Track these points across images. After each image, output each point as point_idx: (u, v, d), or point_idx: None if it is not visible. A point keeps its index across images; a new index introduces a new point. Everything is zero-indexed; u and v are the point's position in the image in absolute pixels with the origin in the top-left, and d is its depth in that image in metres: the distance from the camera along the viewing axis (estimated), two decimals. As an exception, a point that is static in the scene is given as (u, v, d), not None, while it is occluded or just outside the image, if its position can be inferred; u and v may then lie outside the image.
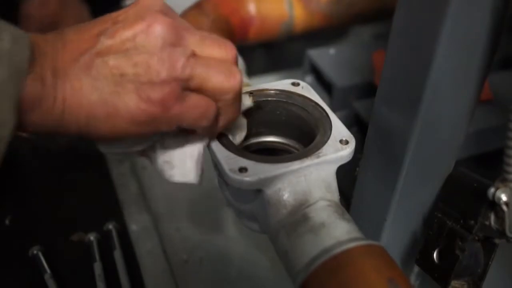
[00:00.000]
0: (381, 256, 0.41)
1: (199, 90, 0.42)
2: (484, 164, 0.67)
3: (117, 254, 0.69)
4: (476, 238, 0.49)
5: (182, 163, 0.47)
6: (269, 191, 0.45)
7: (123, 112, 0.39)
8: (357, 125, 0.75)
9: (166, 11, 0.42)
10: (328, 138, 0.49)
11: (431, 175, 0.52)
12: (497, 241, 0.49)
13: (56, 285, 0.65)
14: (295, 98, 0.54)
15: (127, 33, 0.39)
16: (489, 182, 0.46)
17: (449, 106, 0.47)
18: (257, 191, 0.47)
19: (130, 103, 0.39)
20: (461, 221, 0.49)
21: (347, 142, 0.48)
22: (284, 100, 0.55)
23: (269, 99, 0.55)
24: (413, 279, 0.60)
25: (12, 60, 0.35)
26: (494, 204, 0.45)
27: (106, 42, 0.39)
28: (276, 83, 0.56)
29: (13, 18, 0.91)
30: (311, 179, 0.46)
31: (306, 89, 0.55)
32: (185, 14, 0.76)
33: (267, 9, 0.84)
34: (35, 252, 0.69)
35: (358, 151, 0.50)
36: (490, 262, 0.50)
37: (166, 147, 0.47)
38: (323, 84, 0.86)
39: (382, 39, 0.93)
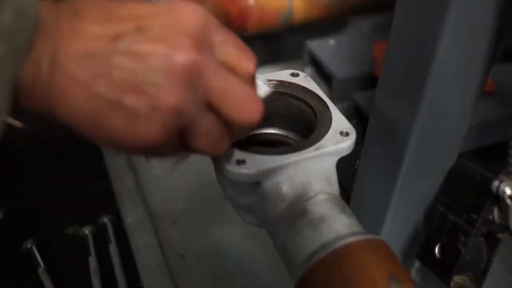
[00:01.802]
0: (382, 251, 0.40)
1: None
2: (487, 157, 0.67)
3: (113, 248, 0.68)
4: (479, 232, 0.48)
5: None
6: (268, 184, 0.44)
7: (107, 132, 0.35)
8: (357, 117, 0.74)
9: (201, 41, 0.35)
10: (328, 130, 0.48)
11: (433, 168, 0.51)
12: (500, 235, 0.48)
13: (50, 278, 0.64)
14: (294, 89, 0.53)
15: (146, 50, 0.34)
16: (492, 175, 0.45)
17: (452, 98, 0.46)
18: (255, 184, 0.46)
19: (117, 128, 0.35)
20: (464, 215, 0.48)
21: (347, 134, 0.47)
22: (283, 91, 0.54)
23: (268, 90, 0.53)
24: (414, 274, 0.59)
25: (12, 38, 0.31)
26: (498, 198, 0.44)
27: (120, 51, 0.34)
28: (275, 74, 0.55)
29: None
30: (310, 172, 0.45)
31: (306, 80, 0.54)
32: (182, 4, 0.75)
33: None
34: (29, 245, 0.68)
35: (358, 143, 0.50)
36: (493, 257, 0.49)
37: None
38: (322, 75, 0.85)
39: (382, 30, 0.92)
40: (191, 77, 0.35)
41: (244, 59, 0.39)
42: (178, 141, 0.38)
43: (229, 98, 0.37)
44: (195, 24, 0.35)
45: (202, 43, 0.35)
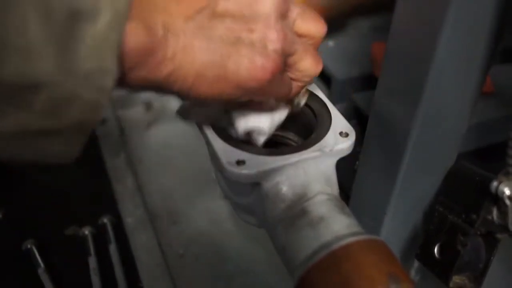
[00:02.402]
0: (381, 251, 0.40)
1: (290, 67, 0.43)
2: (486, 157, 0.67)
3: (112, 248, 0.68)
4: (478, 232, 0.48)
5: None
6: (267, 184, 0.44)
7: (232, 76, 0.38)
8: (356, 117, 0.74)
9: None
10: (328, 130, 0.48)
11: (432, 169, 0.51)
12: (499, 236, 0.48)
13: (50, 279, 0.64)
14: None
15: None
16: (491, 175, 0.45)
17: (451, 98, 0.46)
18: (255, 184, 0.46)
19: (242, 68, 0.38)
20: (463, 216, 0.48)
21: (347, 135, 0.47)
22: (283, 91, 0.53)
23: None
24: (413, 274, 0.59)
25: (114, 2, 0.31)
26: (497, 198, 0.44)
27: (224, 3, 0.37)
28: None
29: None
30: (310, 172, 0.45)
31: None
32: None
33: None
34: (28, 246, 0.68)
35: (357, 144, 0.50)
36: (492, 258, 0.49)
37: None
38: (322, 76, 0.85)
39: (382, 31, 0.92)
40: (283, 6, 0.40)
41: (319, 24, 0.45)
42: (285, 72, 0.43)
43: (307, 46, 0.44)
44: None
45: None
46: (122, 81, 0.34)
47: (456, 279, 0.49)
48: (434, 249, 0.50)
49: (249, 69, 0.38)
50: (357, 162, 0.56)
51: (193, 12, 0.36)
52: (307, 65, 0.44)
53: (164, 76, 0.36)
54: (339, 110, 0.51)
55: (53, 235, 0.70)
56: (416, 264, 0.58)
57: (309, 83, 0.47)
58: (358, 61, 0.83)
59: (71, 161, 0.35)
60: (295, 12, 0.43)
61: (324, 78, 0.84)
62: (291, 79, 0.45)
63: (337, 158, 0.47)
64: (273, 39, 0.39)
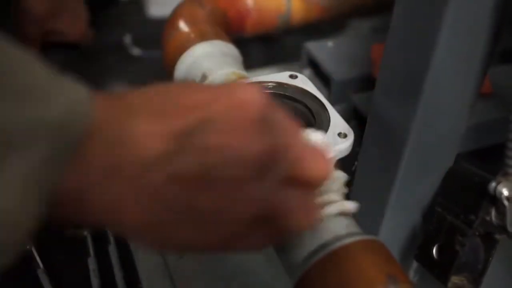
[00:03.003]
0: (380, 252, 0.40)
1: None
2: (484, 158, 0.67)
3: (112, 249, 0.68)
4: (477, 233, 0.48)
5: None
6: (266, 185, 0.44)
7: (174, 241, 0.32)
8: (355, 118, 0.74)
9: (265, 120, 0.32)
10: (326, 131, 0.48)
11: (430, 169, 0.51)
12: (497, 236, 0.48)
13: (49, 280, 0.64)
14: (292, 91, 0.54)
15: (219, 143, 0.30)
16: (490, 176, 0.45)
17: (450, 98, 0.46)
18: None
19: (186, 237, 0.32)
20: (461, 216, 0.48)
21: (345, 136, 0.47)
22: (281, 93, 0.54)
23: (266, 91, 0.54)
24: (412, 274, 0.59)
25: (57, 139, 0.26)
26: (495, 199, 0.44)
27: (186, 159, 0.29)
28: (273, 76, 0.55)
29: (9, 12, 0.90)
30: (308, 173, 0.45)
31: (304, 82, 0.54)
32: (181, 5, 0.75)
33: (264, 1, 0.83)
34: (28, 247, 0.68)
35: (356, 144, 0.50)
36: (490, 258, 0.49)
37: None
38: (321, 77, 0.85)
39: (381, 32, 0.92)
40: (262, 166, 0.32)
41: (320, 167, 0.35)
42: (268, 230, 0.35)
43: (304, 161, 0.34)
44: (256, 106, 0.32)
45: (268, 123, 0.32)
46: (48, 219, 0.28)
47: (454, 279, 0.49)
48: (432, 249, 0.50)
49: (194, 240, 0.32)
50: (355, 163, 0.56)
51: (149, 158, 0.29)
52: (294, 221, 0.35)
53: (94, 221, 0.30)
54: (338, 111, 0.51)
55: (52, 235, 0.70)
56: (414, 264, 0.58)
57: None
58: (358, 62, 0.83)
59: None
60: (284, 164, 0.33)
61: (323, 78, 0.84)
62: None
63: (336, 159, 0.47)
64: (239, 213, 0.32)
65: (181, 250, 0.35)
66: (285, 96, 0.53)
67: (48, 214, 0.27)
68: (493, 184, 0.44)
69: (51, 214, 0.28)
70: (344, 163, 0.49)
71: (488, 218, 0.46)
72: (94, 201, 0.29)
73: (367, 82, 0.80)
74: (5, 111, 0.24)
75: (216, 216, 0.31)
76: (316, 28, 0.94)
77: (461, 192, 0.49)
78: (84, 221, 0.30)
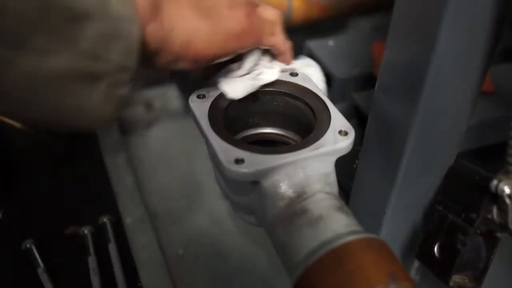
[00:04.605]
0: (380, 250, 0.40)
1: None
2: (486, 156, 0.66)
3: (112, 248, 0.68)
4: (478, 231, 0.48)
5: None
6: (266, 183, 0.44)
7: (220, 28, 0.46)
8: (356, 117, 0.74)
9: None
10: (327, 129, 0.48)
11: (431, 168, 0.51)
12: (499, 234, 0.48)
13: (49, 278, 0.64)
14: (293, 89, 0.53)
15: None
16: (491, 174, 0.45)
17: (450, 97, 0.46)
18: (254, 183, 0.46)
19: (225, 19, 0.46)
20: (463, 215, 0.48)
21: (346, 133, 0.47)
22: (282, 90, 0.53)
23: (267, 89, 0.53)
24: (413, 273, 0.59)
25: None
26: (497, 197, 0.44)
27: None
28: (274, 73, 0.55)
29: None
30: (309, 171, 0.45)
31: (305, 80, 0.54)
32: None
33: (265, 0, 0.83)
34: (28, 245, 0.68)
35: (357, 143, 0.49)
36: (492, 256, 0.49)
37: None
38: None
39: (382, 30, 0.92)
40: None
41: None
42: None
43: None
44: None
45: None
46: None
47: (456, 278, 0.49)
48: (434, 248, 0.50)
49: (232, 18, 0.46)
50: (356, 161, 0.56)
51: None
52: (270, 13, 0.51)
53: (164, 35, 0.42)
54: (339, 109, 0.51)
55: (52, 234, 0.70)
56: (416, 263, 0.58)
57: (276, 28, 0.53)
58: (359, 60, 0.83)
59: (101, 126, 0.42)
60: None
61: (324, 77, 0.84)
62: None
63: (336, 156, 0.47)
64: None
65: (229, 38, 0.47)
66: (286, 93, 0.53)
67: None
68: (494, 182, 0.43)
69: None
70: (345, 161, 0.49)
71: (489, 216, 0.46)
72: (161, 18, 0.42)
73: (368, 81, 0.80)
74: None
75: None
76: (317, 26, 0.94)
77: (462, 191, 0.49)
78: (158, 36, 0.42)
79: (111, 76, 0.37)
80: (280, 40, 0.54)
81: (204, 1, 0.46)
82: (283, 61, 0.56)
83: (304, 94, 0.53)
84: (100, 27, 0.35)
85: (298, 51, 0.90)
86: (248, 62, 0.52)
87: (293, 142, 0.54)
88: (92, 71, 0.36)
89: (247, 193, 0.48)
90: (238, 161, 0.44)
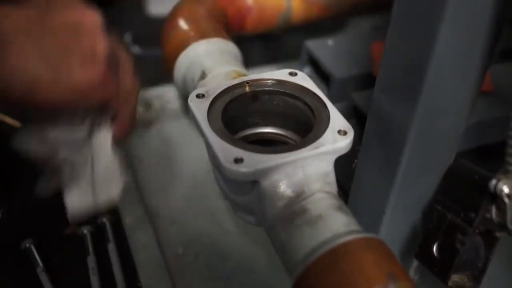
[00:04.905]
0: (380, 250, 0.40)
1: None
2: (485, 156, 0.67)
3: (111, 248, 0.68)
4: (477, 231, 0.48)
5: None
6: (265, 183, 0.44)
7: (66, 81, 0.44)
8: (356, 116, 0.74)
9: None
10: (326, 128, 0.48)
11: (431, 167, 0.51)
12: (498, 234, 0.48)
13: (48, 278, 0.64)
14: (292, 88, 0.53)
15: (71, 17, 0.45)
16: (490, 174, 0.45)
17: (450, 96, 0.46)
18: (253, 182, 0.46)
19: (74, 73, 0.44)
20: (462, 214, 0.48)
21: (345, 133, 0.47)
22: (281, 90, 0.54)
23: (266, 89, 0.54)
24: (412, 273, 0.59)
25: None
26: (496, 197, 0.44)
27: (53, 18, 0.44)
28: (273, 73, 0.55)
29: None
30: (308, 171, 0.45)
31: (304, 79, 0.54)
32: (181, 3, 0.75)
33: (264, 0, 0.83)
34: (27, 245, 0.68)
35: (356, 142, 0.50)
36: (491, 256, 0.49)
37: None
38: (321, 75, 0.85)
39: (381, 30, 0.92)
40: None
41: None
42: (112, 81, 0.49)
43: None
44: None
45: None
46: None
47: (455, 278, 0.49)
48: (433, 248, 0.50)
49: (80, 74, 0.45)
50: (355, 161, 0.56)
51: (25, 24, 0.42)
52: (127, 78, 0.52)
53: (3, 82, 0.41)
54: (338, 109, 0.51)
55: (52, 234, 0.70)
56: (415, 263, 0.58)
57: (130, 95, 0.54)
58: (358, 60, 0.83)
59: None
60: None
61: (323, 76, 0.84)
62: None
63: (336, 156, 0.47)
64: (100, 48, 0.46)
65: (71, 89, 0.46)
66: (285, 93, 0.53)
67: None
68: (493, 182, 0.43)
69: None
70: (344, 161, 0.49)
71: (488, 216, 0.46)
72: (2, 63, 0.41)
73: (367, 80, 0.80)
74: None
75: (84, 53, 0.45)
76: (316, 26, 0.94)
77: (461, 190, 0.49)
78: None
79: None
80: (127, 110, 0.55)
81: (58, 40, 0.44)
82: (117, 130, 0.56)
83: (303, 93, 0.53)
84: None
85: (297, 51, 0.91)
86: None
87: (292, 142, 0.54)
88: None
89: (246, 193, 0.48)
90: (238, 160, 0.44)
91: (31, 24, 0.42)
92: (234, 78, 0.58)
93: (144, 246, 0.70)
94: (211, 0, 0.76)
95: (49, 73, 0.43)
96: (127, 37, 1.09)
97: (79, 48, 0.45)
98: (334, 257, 0.39)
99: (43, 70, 0.43)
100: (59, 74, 0.44)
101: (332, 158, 0.47)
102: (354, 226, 0.42)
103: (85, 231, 0.70)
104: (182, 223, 0.75)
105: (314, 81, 0.55)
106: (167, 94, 0.96)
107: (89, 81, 0.46)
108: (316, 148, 0.46)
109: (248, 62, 0.74)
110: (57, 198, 0.75)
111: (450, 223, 0.49)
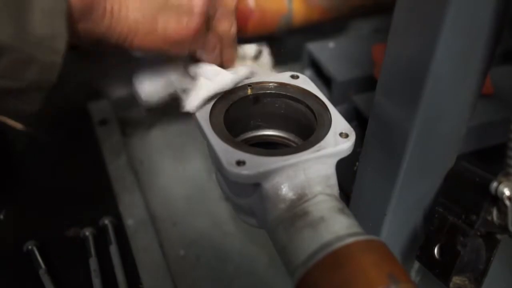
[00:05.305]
0: (381, 252, 0.40)
1: (212, 29, 0.52)
2: (486, 158, 0.67)
3: (113, 250, 0.68)
4: (478, 233, 0.48)
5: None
6: (267, 185, 0.45)
7: (161, 32, 0.46)
8: (357, 119, 0.74)
9: None
10: (328, 131, 0.48)
11: (432, 170, 0.51)
12: (499, 236, 0.48)
13: (51, 280, 0.64)
14: (294, 91, 0.54)
15: None
16: (491, 176, 0.45)
17: (451, 99, 0.46)
18: (255, 185, 0.46)
19: (169, 26, 0.46)
20: (463, 216, 0.48)
21: (346, 136, 0.48)
22: (283, 93, 0.54)
23: (268, 91, 0.54)
24: (413, 275, 0.59)
25: None
26: (497, 199, 0.44)
27: None
28: (275, 76, 0.55)
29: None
30: (310, 173, 0.45)
31: (305, 82, 0.54)
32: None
33: (266, 2, 0.83)
34: (30, 247, 0.68)
35: (358, 145, 0.50)
36: (492, 258, 0.49)
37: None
38: (322, 78, 0.85)
39: (382, 33, 0.92)
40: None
41: None
42: (204, 30, 0.50)
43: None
44: None
45: None
46: (73, 36, 0.40)
47: (456, 280, 0.49)
48: (434, 250, 0.50)
49: (175, 28, 0.47)
50: (357, 163, 0.56)
51: None
52: (225, 27, 0.53)
53: (105, 28, 0.43)
54: (339, 111, 0.51)
55: (54, 236, 0.70)
56: (416, 265, 0.58)
57: (231, 44, 0.56)
58: (359, 62, 0.83)
59: (33, 114, 0.42)
60: None
61: (325, 79, 0.84)
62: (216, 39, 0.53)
63: (337, 158, 0.47)
64: (198, 3, 0.47)
65: (165, 40, 0.47)
66: (287, 96, 0.53)
67: (71, 32, 0.39)
68: (494, 184, 0.44)
69: (72, 30, 0.40)
70: (345, 163, 0.49)
71: (489, 218, 0.46)
72: (102, 11, 0.42)
73: (368, 83, 0.80)
74: None
75: (181, 7, 0.47)
76: (317, 29, 0.94)
77: (462, 193, 0.49)
78: (95, 30, 0.43)
79: (31, 88, 0.40)
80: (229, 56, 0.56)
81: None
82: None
83: (305, 96, 0.53)
84: (13, 56, 0.37)
85: (298, 54, 0.91)
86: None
87: (294, 144, 0.54)
88: (12, 88, 0.39)
89: (248, 195, 0.48)
90: (240, 163, 0.44)
91: None
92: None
93: (146, 248, 0.70)
94: (212, 3, 0.77)
95: (146, 24, 0.45)
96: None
97: (177, 2, 0.46)
98: (336, 259, 0.39)
99: (141, 20, 0.45)
100: (156, 25, 0.46)
101: (334, 160, 0.47)
102: (355, 228, 0.42)
103: (87, 233, 0.70)
104: (183, 225, 0.75)
105: (315, 84, 0.55)
106: (168, 96, 0.97)
107: (183, 35, 0.47)
108: (318, 150, 0.46)
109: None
110: (58, 200, 0.76)
111: (452, 225, 0.49)
